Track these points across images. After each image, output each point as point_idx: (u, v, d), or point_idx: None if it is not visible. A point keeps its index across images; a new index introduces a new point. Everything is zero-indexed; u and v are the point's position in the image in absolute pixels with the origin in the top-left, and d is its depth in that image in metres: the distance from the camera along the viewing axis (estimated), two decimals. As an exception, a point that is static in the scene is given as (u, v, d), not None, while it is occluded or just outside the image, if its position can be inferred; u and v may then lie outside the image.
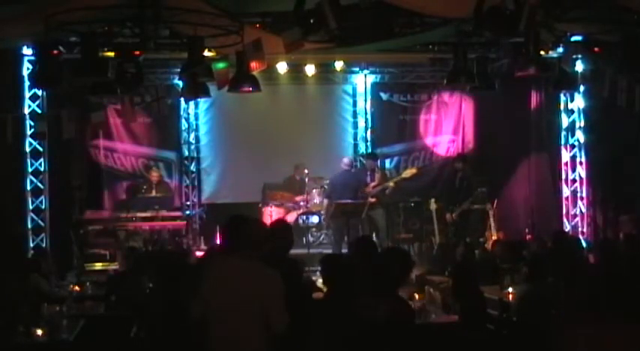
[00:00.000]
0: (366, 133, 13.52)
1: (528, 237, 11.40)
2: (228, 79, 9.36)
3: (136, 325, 5.96)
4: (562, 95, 12.84)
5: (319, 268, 5.41)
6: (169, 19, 8.40)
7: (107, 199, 12.60)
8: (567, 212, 13.04)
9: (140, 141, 12.77)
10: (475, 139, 13.42)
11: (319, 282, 5.59)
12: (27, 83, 11.29)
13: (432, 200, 11.79)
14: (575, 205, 12.99)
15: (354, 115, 13.53)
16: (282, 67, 11.71)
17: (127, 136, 12.70)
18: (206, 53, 8.92)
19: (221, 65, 9.40)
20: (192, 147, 13.11)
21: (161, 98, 12.30)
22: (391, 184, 11.65)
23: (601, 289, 3.66)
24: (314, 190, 12.60)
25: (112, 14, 8.59)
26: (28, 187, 11.44)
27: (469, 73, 9.72)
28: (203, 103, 12.73)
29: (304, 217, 12.32)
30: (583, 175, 12.91)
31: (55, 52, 9.12)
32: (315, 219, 12.42)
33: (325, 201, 11.81)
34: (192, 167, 13.13)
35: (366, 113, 13.49)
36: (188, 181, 13.12)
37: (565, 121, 13.02)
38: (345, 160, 11.96)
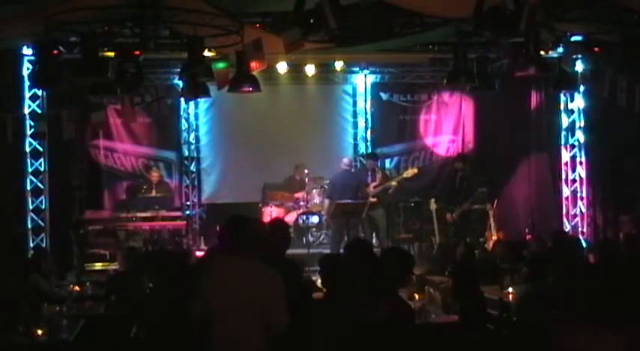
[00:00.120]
0: (366, 133, 13.52)
1: (528, 237, 11.40)
2: (228, 79, 9.36)
3: (136, 325, 5.95)
4: (562, 95, 12.83)
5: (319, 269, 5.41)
6: (169, 19, 8.40)
7: (107, 199, 12.60)
8: (567, 212, 13.03)
9: (140, 141, 12.77)
10: (475, 139, 13.42)
11: (319, 282, 5.58)
12: (27, 83, 11.28)
13: (432, 200, 11.79)
14: (575, 205, 12.98)
15: (354, 115, 13.53)
16: (282, 67, 11.71)
17: (127, 136, 12.70)
18: (206, 53, 8.92)
19: (221, 65, 9.40)
20: (192, 147, 13.10)
21: (161, 98, 12.32)
22: (394, 183, 11.65)
23: (601, 289, 3.66)
24: (314, 190, 12.60)
25: (112, 14, 8.59)
26: (28, 187, 11.43)
27: (469, 73, 9.73)
28: (203, 103, 12.73)
29: (304, 217, 12.32)
30: (583, 175, 12.90)
31: (55, 52, 9.11)
32: (315, 219, 12.42)
33: (326, 201, 11.80)
34: (192, 167, 13.13)
35: (366, 113, 13.49)
36: (188, 181, 13.12)
37: (565, 121, 13.01)
38: (345, 160, 11.96)
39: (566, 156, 13.03)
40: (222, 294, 4.34)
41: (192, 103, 12.85)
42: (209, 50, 9.15)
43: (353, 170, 12.09)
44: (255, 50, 8.72)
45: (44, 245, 11.33)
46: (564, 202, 13.04)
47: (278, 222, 6.68)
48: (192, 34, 8.45)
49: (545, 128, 13.25)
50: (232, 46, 8.84)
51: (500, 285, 7.46)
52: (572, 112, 12.93)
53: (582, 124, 12.83)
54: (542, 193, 13.20)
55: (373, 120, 13.46)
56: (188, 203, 13.02)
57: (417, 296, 6.41)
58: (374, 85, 13.36)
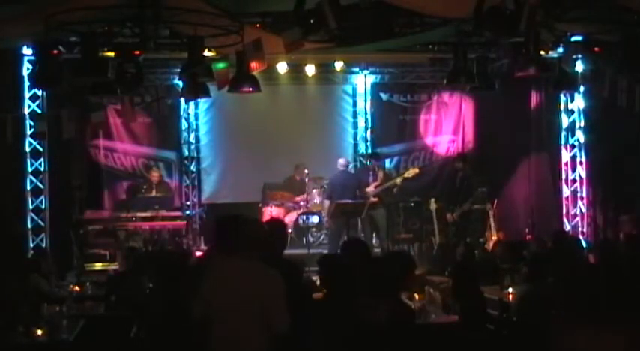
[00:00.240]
0: (366, 133, 13.52)
1: (528, 237, 11.39)
2: (228, 79, 9.37)
3: (136, 325, 5.95)
4: (562, 95, 12.83)
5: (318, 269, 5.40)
6: (169, 19, 8.40)
7: (107, 199, 12.60)
8: (567, 212, 13.04)
9: (140, 141, 12.77)
10: (475, 139, 13.42)
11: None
12: (27, 83, 11.28)
13: (432, 200, 11.79)
14: (575, 205, 12.98)
15: (354, 115, 13.54)
16: (282, 67, 11.71)
17: (127, 136, 12.70)
18: (206, 53, 8.93)
19: (221, 65, 9.40)
20: (192, 147, 13.11)
21: (161, 98, 12.32)
22: (398, 182, 11.64)
23: (601, 289, 3.66)
24: (314, 191, 12.60)
25: (112, 14, 8.59)
26: (28, 187, 11.43)
27: (469, 73, 9.73)
28: (203, 103, 12.73)
29: (304, 217, 12.31)
30: (583, 175, 12.90)
31: (55, 52, 9.11)
32: (315, 219, 12.40)
33: (326, 202, 11.77)
34: (192, 167, 13.13)
35: (366, 113, 13.50)
36: (188, 181, 13.12)
37: (565, 121, 13.01)
38: (341, 160, 11.87)
39: (566, 156, 13.03)
40: (223, 294, 4.34)
41: (192, 103, 12.85)
42: (209, 50, 9.15)
43: (352, 170, 12.08)
44: (255, 50, 8.72)
45: (44, 245, 11.33)
46: (564, 202, 13.04)
47: (275, 221, 6.68)
48: (192, 34, 8.45)
49: (545, 128, 13.25)
50: (232, 46, 8.85)
51: (500, 285, 7.46)
52: (572, 112, 12.93)
53: (582, 124, 12.83)
54: (542, 193, 13.20)
55: (373, 120, 13.46)
56: (188, 203, 13.03)
57: (417, 296, 6.40)
58: (374, 85, 13.36)
